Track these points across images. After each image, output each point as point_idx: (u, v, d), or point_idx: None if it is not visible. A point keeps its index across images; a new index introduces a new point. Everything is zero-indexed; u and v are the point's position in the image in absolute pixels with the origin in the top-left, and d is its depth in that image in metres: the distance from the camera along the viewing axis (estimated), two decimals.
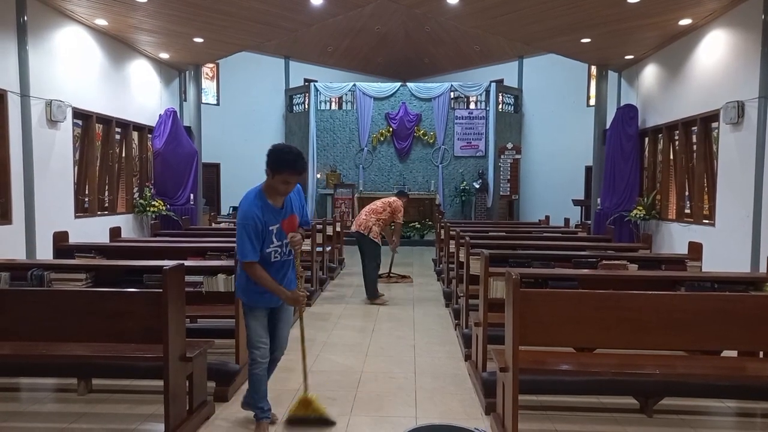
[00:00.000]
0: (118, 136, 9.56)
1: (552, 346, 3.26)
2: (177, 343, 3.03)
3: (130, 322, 3.01)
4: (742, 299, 2.76)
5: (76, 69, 8.15)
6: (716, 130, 7.93)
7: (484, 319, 3.82)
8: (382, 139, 14.98)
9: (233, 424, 3.25)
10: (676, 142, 9.26)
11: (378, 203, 6.81)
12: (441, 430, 2.42)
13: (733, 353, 3.48)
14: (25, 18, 6.92)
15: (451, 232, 6.73)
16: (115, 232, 5.80)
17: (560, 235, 7.20)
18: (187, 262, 3.79)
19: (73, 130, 8.15)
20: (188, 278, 4.12)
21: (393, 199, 6.86)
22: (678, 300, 2.88)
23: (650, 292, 2.95)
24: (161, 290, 2.92)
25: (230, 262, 4.17)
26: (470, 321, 4.38)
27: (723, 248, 7.23)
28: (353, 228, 6.75)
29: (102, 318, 3.02)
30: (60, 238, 4.90)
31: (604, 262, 4.58)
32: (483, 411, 3.44)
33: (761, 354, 3.40)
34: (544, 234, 7.21)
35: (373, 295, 6.63)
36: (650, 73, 10.10)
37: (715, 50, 7.85)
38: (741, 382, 3.42)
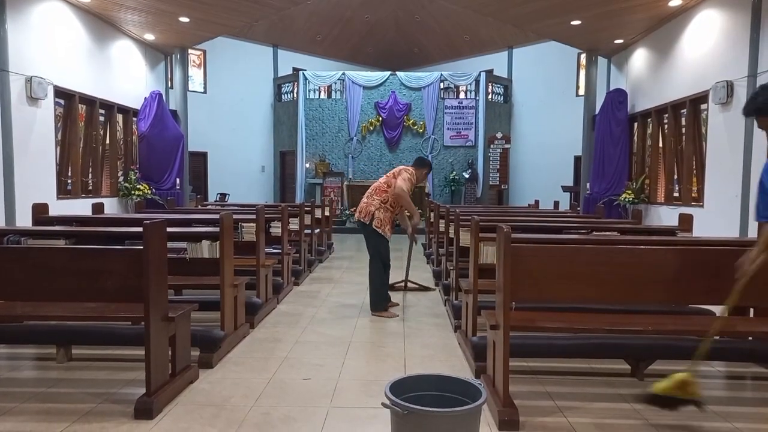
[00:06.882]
0: (102, 118, 9.38)
1: (544, 302, 3.21)
2: (159, 302, 2.94)
3: (110, 280, 2.92)
4: (734, 253, 2.72)
5: (57, 47, 7.96)
6: (705, 112, 7.95)
7: (474, 285, 3.77)
8: (371, 128, 14.89)
9: (217, 389, 3.16)
10: (665, 126, 9.30)
11: (381, 179, 5.15)
12: (431, 380, 2.37)
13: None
14: None
15: (440, 211, 6.68)
16: (97, 208, 5.67)
17: (550, 214, 7.19)
18: (170, 228, 3.69)
19: (55, 110, 7.96)
20: (172, 245, 4.04)
21: (401, 167, 5.17)
22: (671, 254, 2.84)
23: (642, 247, 2.92)
24: (142, 247, 2.83)
25: (215, 229, 4.08)
26: (460, 293, 4.32)
27: (712, 229, 7.23)
28: (355, 216, 5.24)
29: (82, 276, 2.92)
30: (40, 209, 4.76)
31: (595, 233, 4.55)
32: (473, 375, 3.39)
33: (751, 312, 3.39)
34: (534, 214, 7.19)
35: (377, 307, 4.99)
36: (639, 57, 10.11)
37: (704, 31, 7.86)
38: (731, 344, 3.41)
